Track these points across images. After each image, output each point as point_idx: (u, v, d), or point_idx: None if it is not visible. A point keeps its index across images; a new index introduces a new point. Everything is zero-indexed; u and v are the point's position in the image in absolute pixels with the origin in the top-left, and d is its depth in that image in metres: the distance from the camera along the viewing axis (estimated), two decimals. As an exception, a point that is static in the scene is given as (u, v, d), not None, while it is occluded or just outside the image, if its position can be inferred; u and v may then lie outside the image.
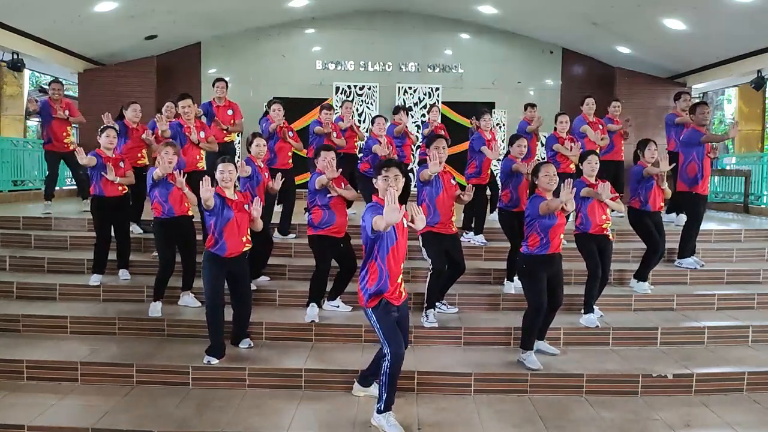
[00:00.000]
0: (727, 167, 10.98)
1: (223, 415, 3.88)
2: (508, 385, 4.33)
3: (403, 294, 3.84)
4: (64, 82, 8.57)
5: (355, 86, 11.77)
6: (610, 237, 5.20)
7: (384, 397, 3.72)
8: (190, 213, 5.23)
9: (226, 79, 7.72)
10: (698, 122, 6.27)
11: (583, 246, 5.20)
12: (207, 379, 4.34)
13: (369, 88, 11.78)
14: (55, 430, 3.67)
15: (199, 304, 5.26)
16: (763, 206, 9.43)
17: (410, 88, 11.87)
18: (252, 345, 4.78)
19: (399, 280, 3.79)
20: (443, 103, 11.77)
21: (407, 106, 11.67)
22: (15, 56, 9.16)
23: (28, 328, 5.02)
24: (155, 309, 5.11)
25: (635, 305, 5.55)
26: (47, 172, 7.95)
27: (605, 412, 4.04)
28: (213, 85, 7.44)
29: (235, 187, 4.72)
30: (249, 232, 4.71)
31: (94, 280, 5.60)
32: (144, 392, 4.20)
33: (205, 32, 11.56)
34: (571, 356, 4.70)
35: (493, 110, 11.63)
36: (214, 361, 4.46)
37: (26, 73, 12.65)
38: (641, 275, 5.72)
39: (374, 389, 4.09)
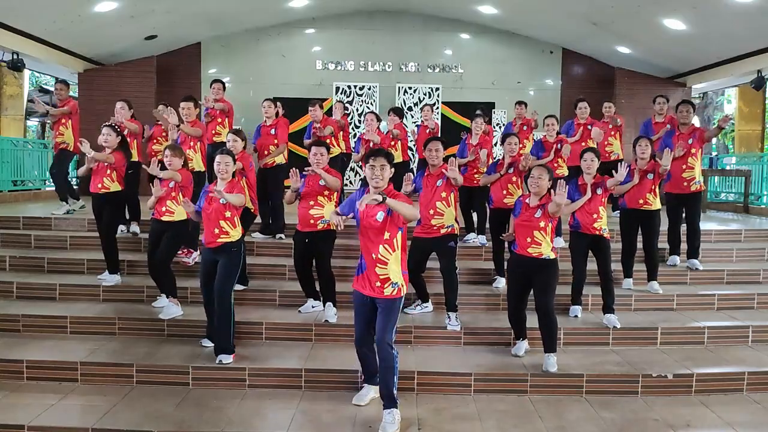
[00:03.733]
0: (727, 167, 10.99)
1: (223, 415, 3.88)
2: (508, 385, 4.32)
3: (384, 289, 3.78)
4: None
5: (355, 86, 11.77)
6: (606, 236, 5.20)
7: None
8: (164, 218, 5.16)
9: (224, 80, 7.71)
10: (679, 121, 6.30)
11: (573, 245, 5.29)
12: (207, 379, 4.34)
13: (369, 88, 11.78)
14: (55, 430, 3.67)
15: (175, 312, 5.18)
16: (763, 206, 9.44)
17: (410, 88, 11.86)
18: (224, 362, 4.41)
19: (374, 270, 3.78)
20: (443, 103, 11.77)
21: (407, 106, 11.70)
22: (15, 56, 9.15)
23: (28, 328, 5.02)
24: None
25: (635, 305, 5.55)
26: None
27: (605, 412, 4.03)
28: (210, 86, 7.45)
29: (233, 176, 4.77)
30: (230, 226, 4.62)
31: (108, 279, 5.65)
32: (144, 392, 4.20)
33: (205, 32, 11.56)
34: (571, 356, 4.69)
35: (493, 110, 11.65)
36: (206, 343, 4.70)
37: (26, 73, 12.66)
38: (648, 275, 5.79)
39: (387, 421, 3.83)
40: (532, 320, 4.69)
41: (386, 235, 3.79)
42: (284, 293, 5.51)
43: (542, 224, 4.48)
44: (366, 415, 3.89)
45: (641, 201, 5.68)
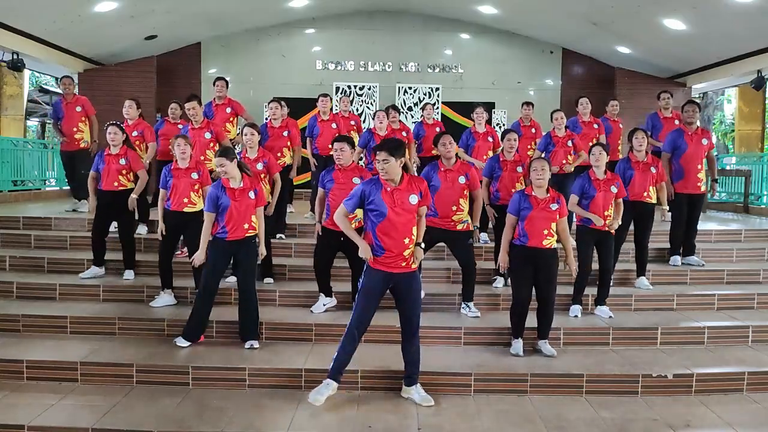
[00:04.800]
0: (727, 167, 10.99)
1: (223, 415, 3.88)
2: (508, 385, 4.32)
3: (412, 264, 3.97)
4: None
5: (355, 86, 11.77)
6: (612, 232, 5.27)
7: (332, 363, 4.01)
8: (186, 209, 5.29)
9: (227, 78, 7.71)
10: (684, 121, 6.30)
11: (581, 238, 5.31)
12: (207, 379, 4.33)
13: (369, 88, 11.78)
14: (55, 430, 3.67)
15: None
16: (763, 206, 9.43)
17: (410, 88, 11.87)
18: (255, 346, 4.73)
19: (402, 253, 3.90)
20: (443, 103, 11.77)
21: (407, 106, 11.71)
22: (15, 56, 9.16)
23: (28, 328, 5.01)
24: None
25: (635, 305, 5.55)
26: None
27: (605, 412, 4.03)
28: (213, 84, 7.45)
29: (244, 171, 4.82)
30: (255, 220, 4.81)
31: (88, 272, 5.73)
32: (144, 392, 4.20)
33: (205, 32, 11.56)
34: (571, 356, 4.69)
35: (493, 110, 11.66)
36: (182, 343, 4.72)
37: (26, 73, 12.66)
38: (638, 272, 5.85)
39: (414, 393, 4.10)
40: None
41: (416, 217, 3.98)
42: (284, 293, 5.51)
43: (557, 216, 4.58)
44: (366, 415, 3.89)
45: (645, 194, 5.71)
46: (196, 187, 5.31)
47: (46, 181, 10.93)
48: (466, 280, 5.28)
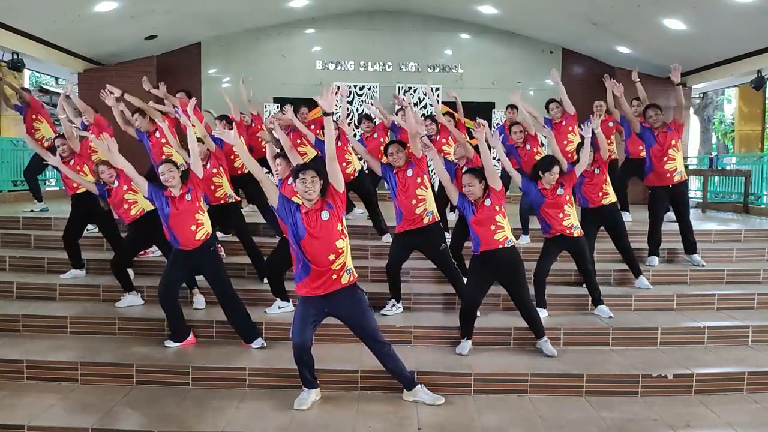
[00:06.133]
0: (727, 167, 10.99)
1: (223, 415, 3.88)
2: (508, 385, 4.32)
3: (342, 278, 3.88)
4: (63, 81, 8.55)
5: (355, 86, 11.76)
6: (576, 234, 5.13)
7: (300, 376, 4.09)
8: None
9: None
10: (650, 124, 6.24)
11: (546, 247, 5.23)
12: (207, 379, 4.34)
13: (369, 88, 11.78)
14: (55, 430, 3.67)
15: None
16: (763, 206, 9.43)
17: (410, 88, 11.87)
18: (264, 345, 4.76)
19: (330, 267, 3.82)
20: (443, 103, 11.74)
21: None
22: (15, 56, 9.16)
23: (28, 328, 5.02)
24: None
25: (635, 305, 5.55)
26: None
27: (605, 412, 4.03)
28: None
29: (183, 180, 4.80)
30: (203, 222, 4.77)
31: (68, 274, 5.77)
32: (144, 392, 4.20)
33: (205, 32, 11.56)
34: (571, 356, 4.69)
35: (492, 110, 11.67)
36: (170, 344, 4.73)
37: (26, 73, 12.65)
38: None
39: (422, 394, 4.11)
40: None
41: (338, 227, 3.87)
42: (284, 293, 5.50)
43: (497, 208, 4.55)
44: (366, 415, 3.90)
45: (600, 194, 5.58)
46: (125, 188, 5.34)
47: (47, 182, 10.93)
48: (452, 283, 5.28)
